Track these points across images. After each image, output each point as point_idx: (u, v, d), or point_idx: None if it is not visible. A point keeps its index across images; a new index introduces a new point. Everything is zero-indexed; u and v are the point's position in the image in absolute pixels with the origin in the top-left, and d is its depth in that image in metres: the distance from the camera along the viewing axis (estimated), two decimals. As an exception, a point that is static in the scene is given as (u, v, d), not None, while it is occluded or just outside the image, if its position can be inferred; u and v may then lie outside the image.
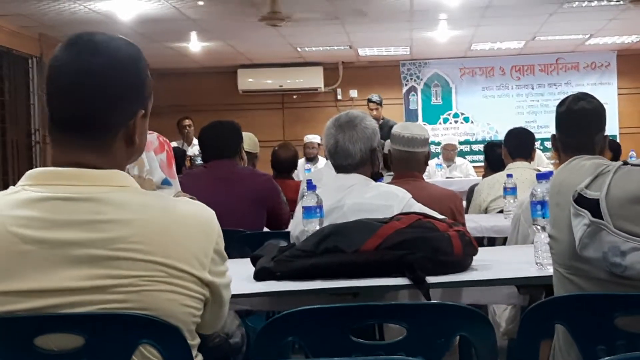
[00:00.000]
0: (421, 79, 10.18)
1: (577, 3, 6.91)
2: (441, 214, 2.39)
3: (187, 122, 8.23)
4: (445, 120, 10.19)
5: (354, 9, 6.84)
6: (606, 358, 1.10)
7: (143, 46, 1.37)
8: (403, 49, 9.30)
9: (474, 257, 2.08)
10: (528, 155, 4.07)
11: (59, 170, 1.20)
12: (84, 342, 1.19)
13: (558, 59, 9.99)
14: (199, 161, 5.41)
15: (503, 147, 4.17)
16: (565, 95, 2.27)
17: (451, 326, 1.40)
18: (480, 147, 8.47)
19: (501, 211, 3.78)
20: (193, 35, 7.92)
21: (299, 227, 2.37)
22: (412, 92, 10.21)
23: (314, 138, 7.87)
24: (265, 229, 3.41)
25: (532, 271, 2.04)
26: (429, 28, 8.02)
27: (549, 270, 1.81)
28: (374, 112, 7.57)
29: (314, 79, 9.89)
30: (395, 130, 3.09)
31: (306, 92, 10.05)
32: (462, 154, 9.28)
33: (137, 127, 1.25)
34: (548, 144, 8.66)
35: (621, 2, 6.80)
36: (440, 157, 7.90)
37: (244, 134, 3.59)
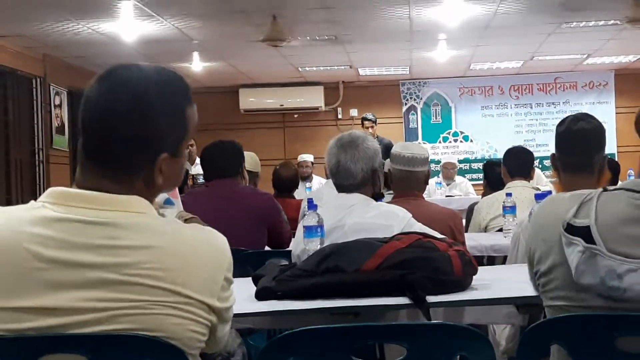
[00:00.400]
0: (421, 98, 10.24)
1: (575, 23, 6.97)
2: (441, 232, 2.41)
3: (189, 141, 8.26)
4: (445, 139, 10.23)
5: (354, 30, 6.90)
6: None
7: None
8: (403, 68, 9.36)
9: (474, 277, 2.10)
10: (527, 174, 4.08)
11: (81, 192, 1.22)
12: (88, 362, 1.19)
13: (556, 78, 10.06)
14: (201, 180, 5.43)
15: (502, 166, 4.18)
16: (564, 114, 2.30)
17: (451, 346, 1.40)
18: (480, 165, 8.48)
19: (501, 230, 3.78)
20: (195, 55, 7.98)
21: (300, 246, 2.39)
22: (412, 111, 10.27)
23: (307, 157, 7.89)
24: (267, 248, 3.42)
25: (532, 290, 2.04)
26: (428, 48, 8.08)
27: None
28: (370, 130, 7.69)
29: (314, 98, 9.95)
30: (395, 149, 3.12)
31: (307, 111, 10.11)
32: (462, 173, 9.31)
33: (161, 169, 1.26)
34: (547, 163, 8.69)
35: (618, 23, 6.86)
36: (440, 175, 7.93)
37: (245, 153, 3.62)
